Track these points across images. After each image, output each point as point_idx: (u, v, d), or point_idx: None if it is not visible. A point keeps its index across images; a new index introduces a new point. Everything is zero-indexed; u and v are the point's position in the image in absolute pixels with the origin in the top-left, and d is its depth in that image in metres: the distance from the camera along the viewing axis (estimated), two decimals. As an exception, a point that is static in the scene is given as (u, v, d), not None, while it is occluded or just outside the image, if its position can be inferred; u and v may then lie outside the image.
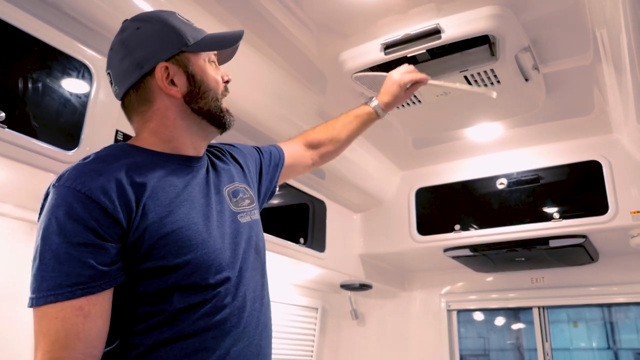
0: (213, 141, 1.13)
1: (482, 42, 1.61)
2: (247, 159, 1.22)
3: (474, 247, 2.51)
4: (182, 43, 0.99)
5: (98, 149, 0.96)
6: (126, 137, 1.49)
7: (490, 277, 2.99)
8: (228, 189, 1.08)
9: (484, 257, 2.57)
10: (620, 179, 2.20)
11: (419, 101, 1.94)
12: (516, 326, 3.20)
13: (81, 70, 1.42)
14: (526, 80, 1.83)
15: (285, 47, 1.78)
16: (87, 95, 1.43)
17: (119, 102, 1.04)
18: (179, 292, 0.89)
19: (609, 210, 2.17)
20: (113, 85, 1.02)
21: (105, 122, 1.46)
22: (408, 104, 1.96)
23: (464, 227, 2.50)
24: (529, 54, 1.74)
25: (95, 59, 1.45)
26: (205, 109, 1.02)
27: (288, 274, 2.73)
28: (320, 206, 2.63)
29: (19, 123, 1.25)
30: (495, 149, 2.54)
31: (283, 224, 2.34)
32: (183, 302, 0.89)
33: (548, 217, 2.29)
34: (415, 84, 1.51)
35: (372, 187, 2.73)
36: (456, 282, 3.08)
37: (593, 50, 1.76)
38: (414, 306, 3.18)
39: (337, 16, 1.64)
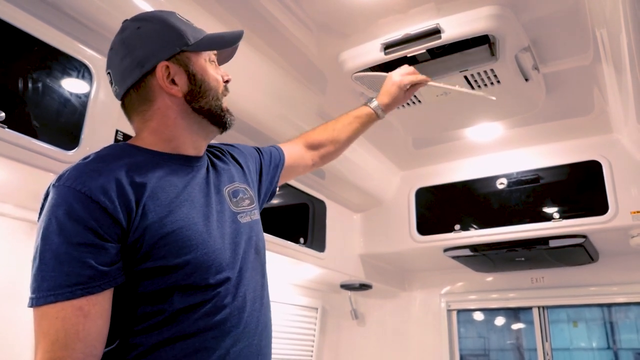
0: (213, 141, 1.13)
1: (482, 42, 1.61)
2: (247, 160, 1.22)
3: (474, 247, 2.51)
4: (183, 42, 0.99)
5: (98, 149, 0.96)
6: (126, 137, 1.49)
7: (490, 277, 2.99)
8: (228, 189, 1.08)
9: (484, 257, 2.57)
10: (620, 179, 2.20)
11: (419, 101, 1.94)
12: (516, 326, 3.20)
13: (81, 70, 1.42)
14: (526, 80, 1.83)
15: (285, 47, 1.78)
16: (87, 95, 1.43)
17: (119, 102, 1.04)
18: (179, 292, 0.89)
19: (609, 210, 2.17)
20: (113, 85, 1.02)
21: (105, 122, 1.46)
22: (408, 104, 1.96)
23: (464, 227, 2.50)
24: (529, 54, 1.74)
25: (95, 59, 1.45)
26: (206, 108, 1.02)
27: (288, 274, 2.73)
28: (320, 206, 2.63)
29: (19, 123, 1.25)
30: (495, 149, 2.54)
31: (283, 224, 2.34)
32: (183, 302, 0.89)
33: (548, 217, 2.29)
34: (415, 85, 1.51)
35: (372, 187, 2.73)
36: (456, 282, 3.07)
37: (593, 50, 1.76)
38: (414, 306, 3.18)
39: (337, 16, 1.64)
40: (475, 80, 1.78)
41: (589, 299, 2.70)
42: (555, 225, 2.27)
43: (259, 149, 1.32)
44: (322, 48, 1.80)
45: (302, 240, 2.41)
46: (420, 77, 1.51)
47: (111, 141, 1.47)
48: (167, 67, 0.98)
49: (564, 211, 2.27)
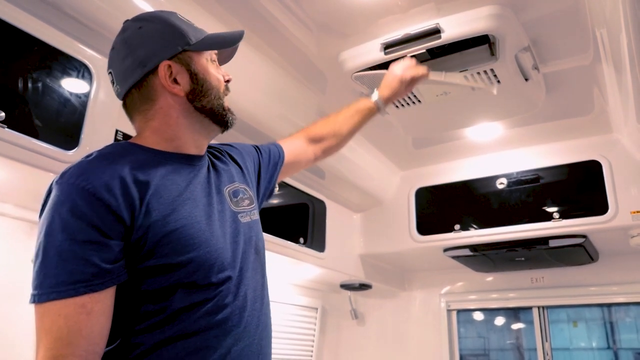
0: (212, 141, 1.13)
1: (482, 41, 1.61)
2: (245, 159, 1.22)
3: (474, 247, 2.51)
4: (185, 42, 1.00)
5: (98, 149, 0.96)
6: (126, 136, 1.49)
7: (490, 277, 2.99)
8: (228, 189, 1.08)
9: (484, 257, 2.57)
10: (620, 179, 2.20)
11: (419, 101, 1.94)
12: (516, 326, 3.20)
13: (81, 70, 1.42)
14: (526, 80, 1.83)
15: (285, 47, 1.78)
16: (87, 95, 1.43)
17: (119, 102, 1.04)
18: (181, 291, 0.89)
19: (609, 210, 2.17)
20: (115, 84, 1.02)
21: (105, 121, 1.46)
22: (408, 104, 1.96)
23: (464, 227, 2.50)
24: (529, 54, 1.74)
25: (95, 59, 1.45)
26: (208, 107, 1.03)
27: (288, 273, 2.73)
28: (320, 206, 2.63)
29: (19, 123, 1.25)
30: (495, 149, 2.54)
31: (283, 224, 2.34)
32: (185, 301, 0.89)
33: (548, 217, 2.29)
34: (417, 78, 1.52)
35: (372, 187, 2.73)
36: (456, 282, 3.08)
37: (593, 50, 1.76)
38: (413, 306, 3.18)
39: (337, 16, 1.64)
40: (475, 80, 1.78)
41: (589, 299, 2.70)
42: (555, 225, 2.27)
43: (257, 147, 1.32)
44: (322, 48, 1.80)
45: (302, 240, 2.41)
46: (422, 70, 1.53)
47: (111, 141, 1.47)
48: (170, 66, 0.98)
49: (564, 211, 2.27)
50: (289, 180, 2.37)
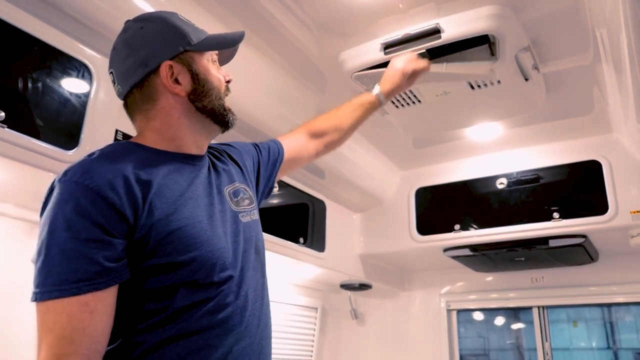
0: (212, 141, 1.13)
1: (482, 41, 1.61)
2: (244, 158, 1.22)
3: (474, 247, 2.51)
4: (186, 42, 1.00)
5: (100, 148, 0.96)
6: (126, 136, 1.49)
7: (490, 277, 2.99)
8: (229, 189, 1.08)
9: (484, 256, 2.57)
10: (620, 179, 2.20)
11: (419, 101, 1.94)
12: (516, 326, 3.20)
13: (81, 70, 1.42)
14: (526, 80, 1.83)
15: (285, 47, 1.78)
16: (87, 95, 1.43)
17: (118, 102, 1.05)
18: (183, 289, 0.89)
19: (609, 210, 2.17)
20: (116, 84, 1.02)
21: (105, 121, 1.46)
22: (408, 103, 1.96)
23: (464, 227, 2.50)
24: (529, 54, 1.74)
25: (95, 59, 1.45)
26: (209, 107, 1.03)
27: (288, 273, 2.73)
28: (320, 206, 2.63)
29: (19, 123, 1.25)
30: (495, 149, 2.54)
31: (283, 224, 2.34)
32: (187, 300, 0.89)
33: (548, 217, 2.29)
34: (418, 72, 1.53)
35: (372, 187, 2.73)
36: (456, 282, 3.08)
37: (593, 50, 1.76)
38: (413, 306, 3.18)
39: (337, 16, 1.64)
40: (475, 80, 1.78)
41: (588, 299, 2.70)
42: (555, 225, 2.27)
43: (256, 145, 1.32)
44: (322, 48, 1.80)
45: (302, 240, 2.41)
46: (423, 63, 1.54)
47: (111, 141, 1.47)
48: (171, 66, 0.99)
49: (564, 211, 2.27)
50: (289, 180, 2.37)
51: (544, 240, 2.32)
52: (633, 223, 2.14)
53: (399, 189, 2.82)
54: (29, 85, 1.29)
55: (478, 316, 3.26)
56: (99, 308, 0.81)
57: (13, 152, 1.24)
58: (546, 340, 2.77)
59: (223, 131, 1.08)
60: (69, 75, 1.39)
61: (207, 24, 1.26)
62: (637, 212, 2.13)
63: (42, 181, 1.04)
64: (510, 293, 2.91)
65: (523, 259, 2.57)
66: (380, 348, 3.17)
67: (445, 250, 2.62)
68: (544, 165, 2.40)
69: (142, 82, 0.99)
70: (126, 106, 1.03)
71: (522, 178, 2.43)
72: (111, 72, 1.02)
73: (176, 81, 0.99)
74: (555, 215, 2.28)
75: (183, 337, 0.88)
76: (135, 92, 1.00)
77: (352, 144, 2.41)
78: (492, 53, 1.64)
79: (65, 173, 0.87)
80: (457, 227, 2.52)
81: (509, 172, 2.47)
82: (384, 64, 1.74)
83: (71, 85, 1.39)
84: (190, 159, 1.02)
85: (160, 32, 1.00)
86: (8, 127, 1.21)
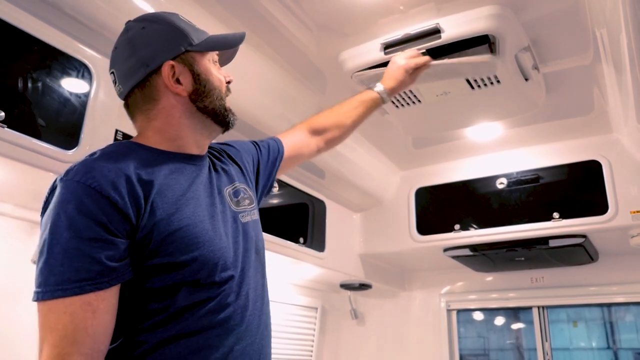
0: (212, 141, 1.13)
1: (482, 41, 1.61)
2: (244, 158, 1.23)
3: (474, 247, 2.51)
4: (188, 42, 1.01)
5: (101, 148, 0.96)
6: (126, 136, 1.49)
7: (490, 277, 2.99)
8: (229, 189, 1.08)
9: (484, 256, 2.57)
10: (620, 179, 2.20)
11: (419, 101, 1.94)
12: (516, 326, 3.20)
13: (81, 70, 1.42)
14: (526, 80, 1.83)
15: (285, 47, 1.78)
16: (86, 95, 1.43)
17: (118, 102, 1.05)
18: (185, 289, 0.89)
19: (609, 210, 2.17)
20: (117, 84, 1.02)
21: (105, 121, 1.46)
22: (408, 103, 1.96)
23: (464, 227, 2.50)
24: (529, 54, 1.74)
25: (95, 59, 1.45)
26: (210, 107, 1.03)
27: (288, 273, 2.73)
28: (320, 206, 2.63)
29: (19, 122, 1.25)
30: (495, 149, 2.54)
31: (283, 224, 2.34)
32: (188, 300, 0.89)
33: (548, 217, 2.29)
34: (420, 68, 1.54)
35: (372, 187, 2.73)
36: (456, 281, 3.08)
37: (593, 50, 1.76)
38: (413, 306, 3.18)
39: (337, 16, 1.64)
40: (475, 80, 1.78)
41: (588, 299, 2.70)
42: (555, 225, 2.27)
43: (256, 143, 1.32)
44: (322, 48, 1.80)
45: (301, 240, 2.41)
46: (424, 58, 1.55)
47: (111, 141, 1.47)
48: (173, 66, 0.99)
49: (564, 211, 2.27)
50: (288, 180, 2.37)
51: (544, 240, 2.32)
52: (633, 223, 2.14)
53: (399, 189, 2.82)
54: (29, 85, 1.29)
55: (478, 316, 3.26)
56: (101, 307, 0.82)
57: (13, 152, 1.24)
58: (546, 340, 2.77)
59: (224, 131, 1.09)
60: (69, 75, 1.39)
61: (208, 24, 1.26)
62: (637, 212, 2.13)
63: (42, 181, 1.04)
64: (510, 293, 2.91)
65: (523, 259, 2.57)
66: (380, 348, 3.17)
67: (445, 250, 2.62)
68: (544, 165, 2.40)
69: (144, 82, 0.99)
70: (127, 106, 1.04)
71: (522, 178, 2.43)
72: (112, 72, 1.03)
73: (177, 81, 1.00)
74: (555, 215, 2.28)
75: (184, 337, 0.88)
76: (137, 92, 1.00)
77: (352, 143, 2.41)
78: (492, 53, 1.64)
79: (67, 173, 0.87)
80: (457, 227, 2.52)
81: (509, 172, 2.47)
82: (384, 64, 1.74)
83: (71, 85, 1.39)
84: (191, 159, 1.03)
85: (161, 32, 1.00)
86: (8, 127, 1.21)
